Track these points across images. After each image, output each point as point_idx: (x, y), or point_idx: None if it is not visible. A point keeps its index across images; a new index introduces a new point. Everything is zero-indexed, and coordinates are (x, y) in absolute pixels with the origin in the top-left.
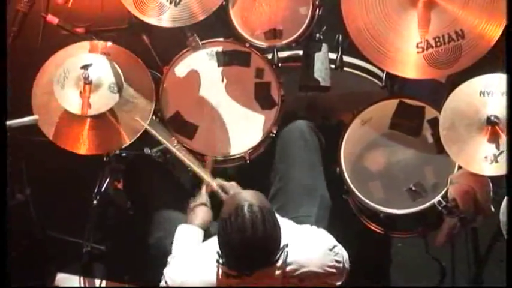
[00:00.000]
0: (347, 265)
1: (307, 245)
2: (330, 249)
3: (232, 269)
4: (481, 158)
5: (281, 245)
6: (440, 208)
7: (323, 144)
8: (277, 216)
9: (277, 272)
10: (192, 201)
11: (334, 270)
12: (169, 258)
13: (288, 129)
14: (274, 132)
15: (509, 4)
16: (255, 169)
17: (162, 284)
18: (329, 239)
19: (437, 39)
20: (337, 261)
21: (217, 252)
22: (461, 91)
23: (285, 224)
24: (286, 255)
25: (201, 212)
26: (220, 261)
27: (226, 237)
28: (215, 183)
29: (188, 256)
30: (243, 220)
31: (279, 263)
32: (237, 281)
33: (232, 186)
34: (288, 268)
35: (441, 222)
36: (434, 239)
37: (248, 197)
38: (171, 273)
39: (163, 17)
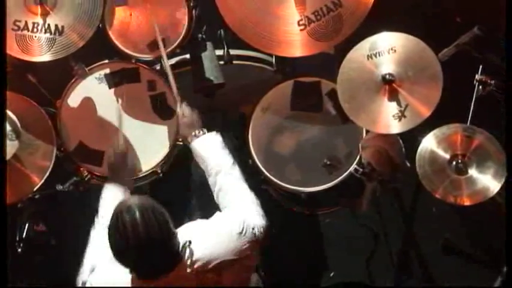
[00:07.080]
0: (258, 232)
1: (214, 237)
2: (240, 233)
3: (139, 277)
4: (388, 118)
5: (181, 243)
6: (358, 175)
7: (236, 143)
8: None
9: (189, 270)
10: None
11: (248, 251)
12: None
13: None
14: (181, 140)
15: (509, 5)
16: (170, 181)
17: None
18: (236, 222)
19: (316, 13)
20: (249, 241)
21: None
22: (350, 60)
23: (194, 223)
24: (191, 253)
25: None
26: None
27: (115, 247)
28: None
29: (108, 265)
30: (124, 225)
31: (187, 261)
32: (152, 283)
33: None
34: (197, 264)
35: (363, 189)
36: (360, 206)
37: (126, 202)
38: (92, 279)
39: (47, 52)
